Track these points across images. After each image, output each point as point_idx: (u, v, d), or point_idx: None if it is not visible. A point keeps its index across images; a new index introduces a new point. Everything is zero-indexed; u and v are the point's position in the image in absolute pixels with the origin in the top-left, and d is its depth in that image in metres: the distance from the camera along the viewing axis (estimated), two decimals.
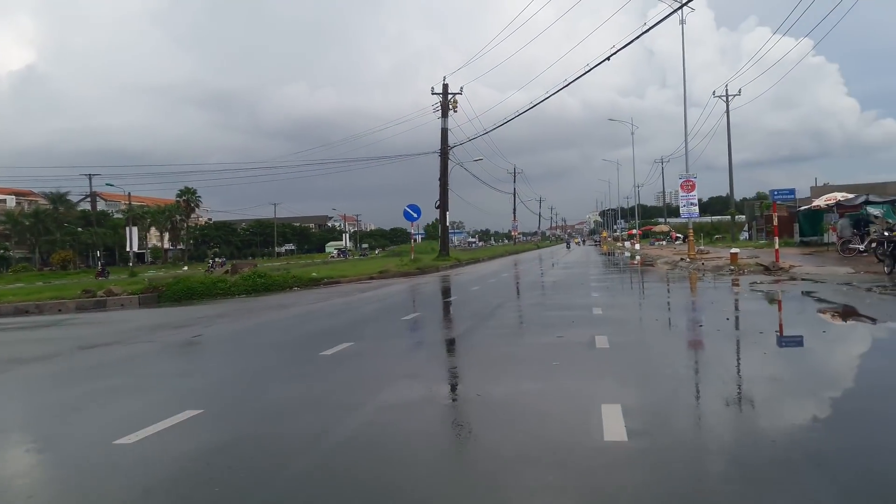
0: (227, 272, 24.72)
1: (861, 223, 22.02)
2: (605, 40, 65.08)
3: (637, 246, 53.11)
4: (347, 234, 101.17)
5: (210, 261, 41.09)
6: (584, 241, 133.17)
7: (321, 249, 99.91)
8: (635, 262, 34.97)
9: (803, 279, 15.09)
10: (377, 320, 11.94)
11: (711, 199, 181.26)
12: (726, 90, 46.89)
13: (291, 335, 10.31)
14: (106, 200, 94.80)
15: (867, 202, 24.84)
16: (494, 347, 7.96)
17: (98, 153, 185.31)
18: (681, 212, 28.71)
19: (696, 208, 28.47)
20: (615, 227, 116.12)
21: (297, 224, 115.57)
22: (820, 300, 11.57)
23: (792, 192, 31.46)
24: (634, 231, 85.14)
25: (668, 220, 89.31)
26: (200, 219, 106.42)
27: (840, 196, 29.71)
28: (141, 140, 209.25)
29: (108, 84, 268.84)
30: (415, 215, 29.49)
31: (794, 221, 44.48)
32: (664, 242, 67.33)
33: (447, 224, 38.80)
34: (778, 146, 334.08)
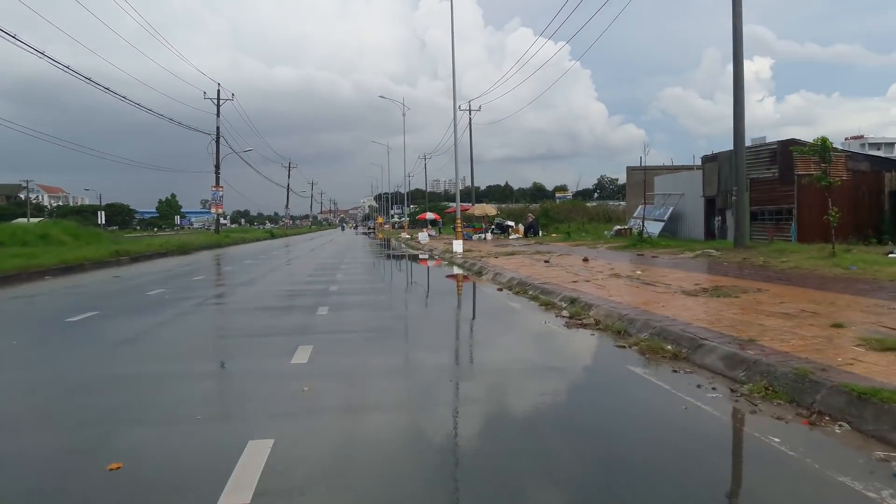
0: None
1: None
2: None
3: (457, 247, 21.05)
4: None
5: None
6: (357, 227, 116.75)
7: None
8: None
9: None
10: None
11: (489, 187, 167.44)
12: None
13: None
14: None
15: None
16: None
17: None
18: None
19: None
20: (392, 212, 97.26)
21: None
22: None
23: None
24: (430, 215, 54.51)
25: (481, 202, 60.05)
26: None
27: None
28: None
29: None
30: None
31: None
32: (487, 236, 36.47)
33: None
34: (536, 144, 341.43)
